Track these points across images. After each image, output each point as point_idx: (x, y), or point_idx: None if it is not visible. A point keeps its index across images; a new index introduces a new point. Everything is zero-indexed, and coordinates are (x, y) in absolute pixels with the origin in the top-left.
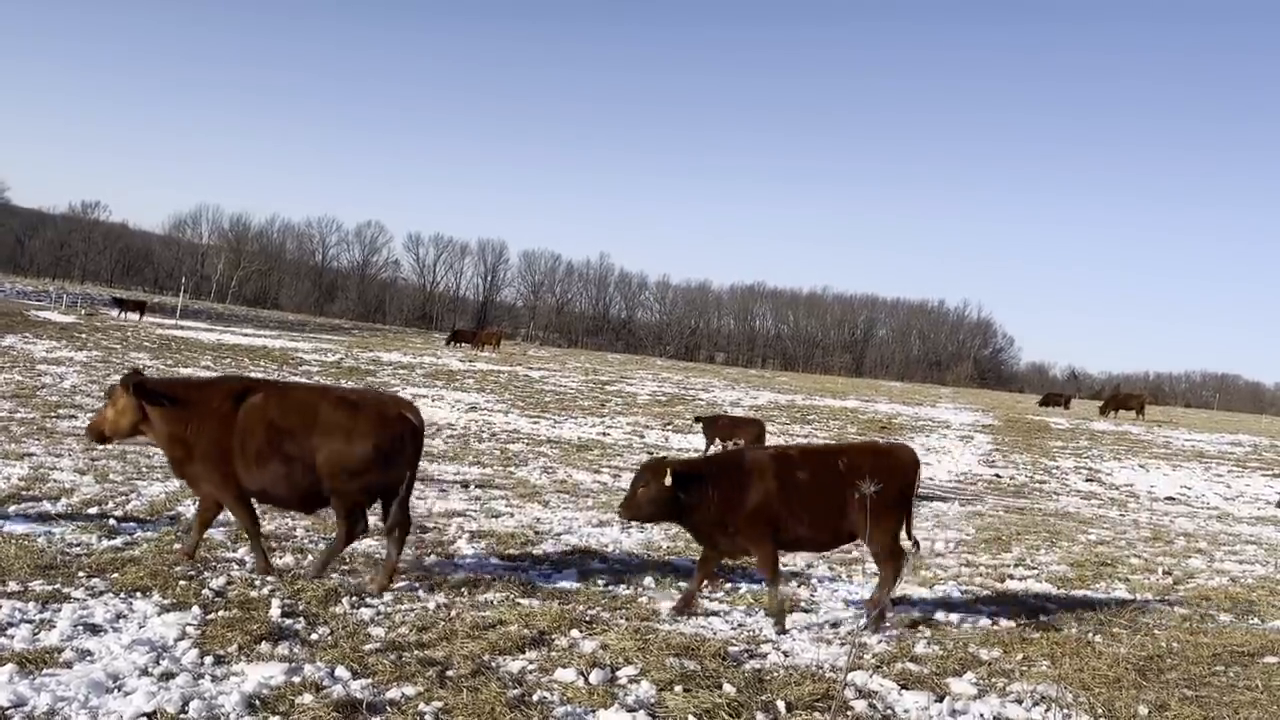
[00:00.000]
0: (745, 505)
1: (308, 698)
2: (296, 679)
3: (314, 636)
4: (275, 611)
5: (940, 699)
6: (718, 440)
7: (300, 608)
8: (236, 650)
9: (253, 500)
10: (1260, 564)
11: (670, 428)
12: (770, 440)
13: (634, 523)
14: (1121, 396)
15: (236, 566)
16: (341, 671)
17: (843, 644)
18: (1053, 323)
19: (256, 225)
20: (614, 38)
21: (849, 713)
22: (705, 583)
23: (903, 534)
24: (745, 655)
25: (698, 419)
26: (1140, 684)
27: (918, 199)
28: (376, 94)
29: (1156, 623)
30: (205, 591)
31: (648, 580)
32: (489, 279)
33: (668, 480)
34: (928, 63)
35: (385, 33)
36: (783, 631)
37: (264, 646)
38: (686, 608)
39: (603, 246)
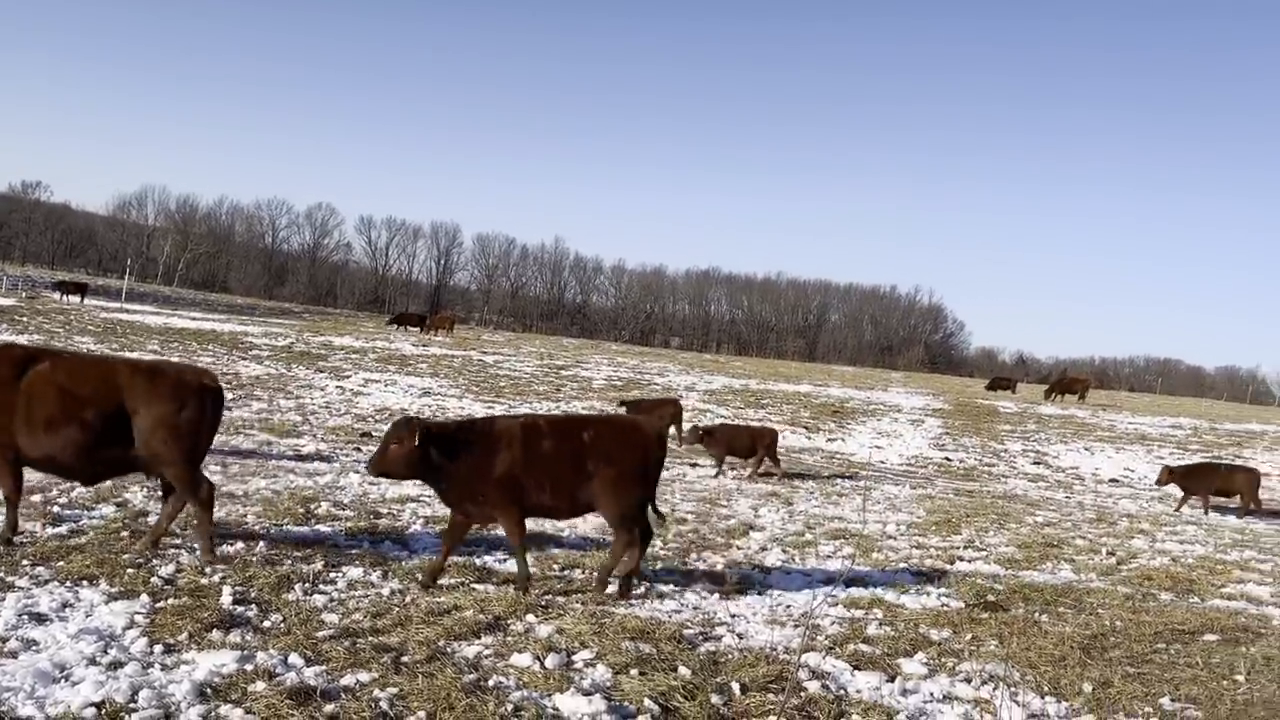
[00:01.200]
0: (493, 472)
1: (260, 685)
2: (249, 667)
3: (266, 624)
4: (227, 599)
5: (892, 679)
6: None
7: (252, 595)
8: (187, 638)
9: (38, 468)
10: (1200, 544)
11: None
12: (687, 420)
13: (382, 478)
14: (1066, 381)
15: (185, 554)
16: (295, 659)
17: (796, 626)
18: (1002, 308)
19: (204, 207)
20: (570, 25)
21: (802, 694)
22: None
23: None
24: (700, 638)
25: (621, 403)
26: (1085, 662)
27: (871, 185)
28: (326, 75)
29: (1101, 602)
30: (154, 579)
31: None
32: (442, 262)
33: (416, 440)
34: (880, 52)
35: (336, 14)
36: (526, 591)
37: (215, 634)
38: (433, 582)
39: (558, 230)
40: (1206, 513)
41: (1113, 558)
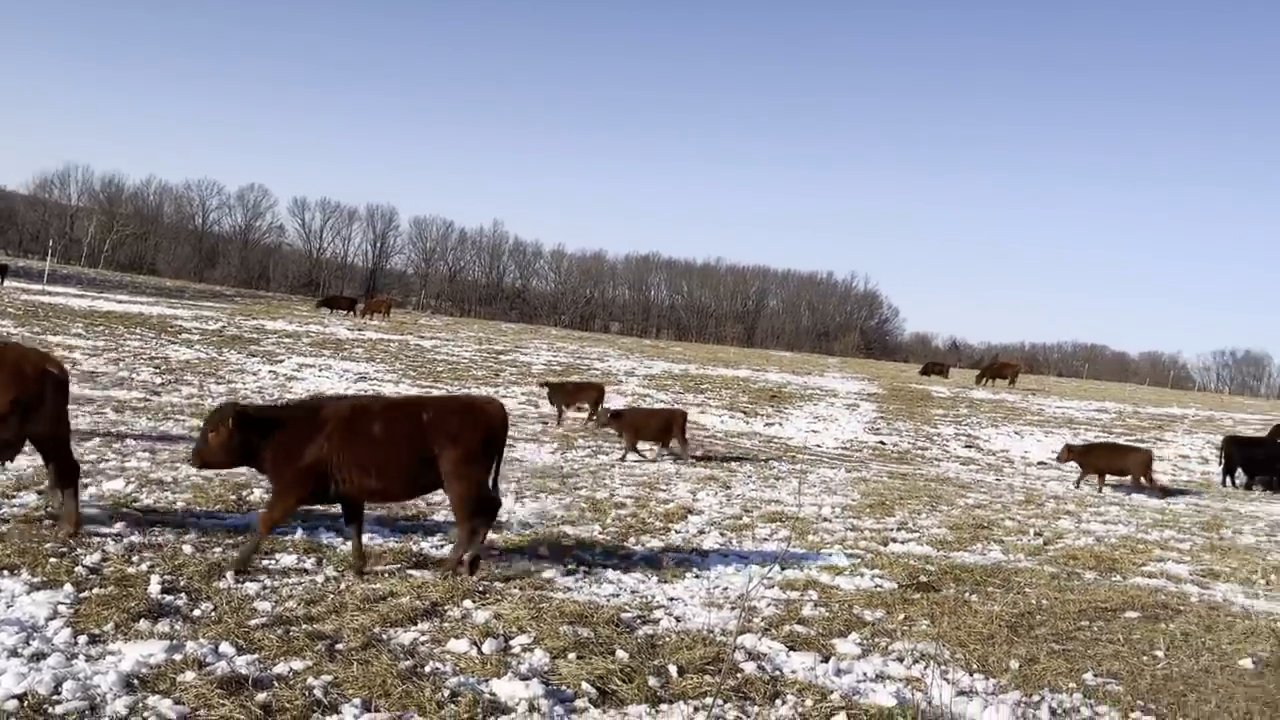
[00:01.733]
0: (303, 455)
1: (190, 675)
2: (178, 656)
3: (196, 613)
4: (155, 588)
5: (826, 659)
6: (565, 405)
7: (182, 583)
8: (113, 629)
9: None
10: (1123, 524)
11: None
12: (618, 402)
13: (206, 470)
14: (997, 366)
15: (112, 542)
16: (226, 647)
17: (733, 608)
18: (936, 295)
19: (131, 186)
20: (512, 6)
21: (739, 675)
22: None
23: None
24: (638, 621)
25: (543, 384)
26: (1012, 639)
27: (809, 172)
28: (257, 56)
29: (1028, 582)
30: (78, 569)
31: (542, 550)
32: (378, 246)
33: (232, 426)
34: (820, 38)
35: None
36: (241, 572)
37: (143, 624)
38: (363, 565)
39: (496, 213)
40: (1101, 490)
41: (1040, 538)
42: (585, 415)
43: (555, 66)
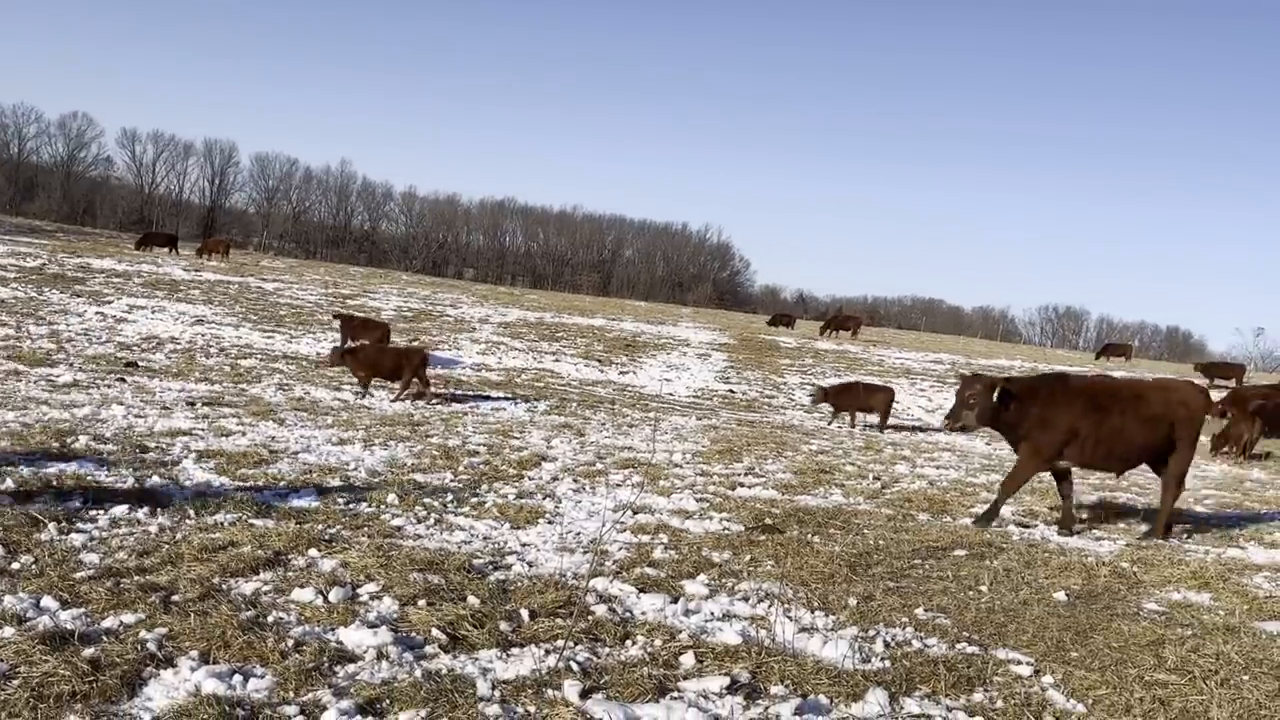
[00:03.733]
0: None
1: (9, 631)
2: None
3: (15, 565)
4: None
5: (675, 600)
6: (350, 339)
7: None
8: None
9: None
10: (954, 469)
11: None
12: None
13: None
14: (840, 318)
15: None
16: (48, 601)
17: (586, 552)
18: (785, 248)
19: None
20: None
21: (589, 617)
22: None
23: None
24: (490, 568)
25: (335, 315)
26: (851, 578)
27: (664, 121)
28: None
29: (866, 523)
30: None
31: (390, 498)
32: (216, 182)
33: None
34: None
35: None
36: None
37: None
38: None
39: (344, 152)
40: (853, 427)
41: (878, 482)
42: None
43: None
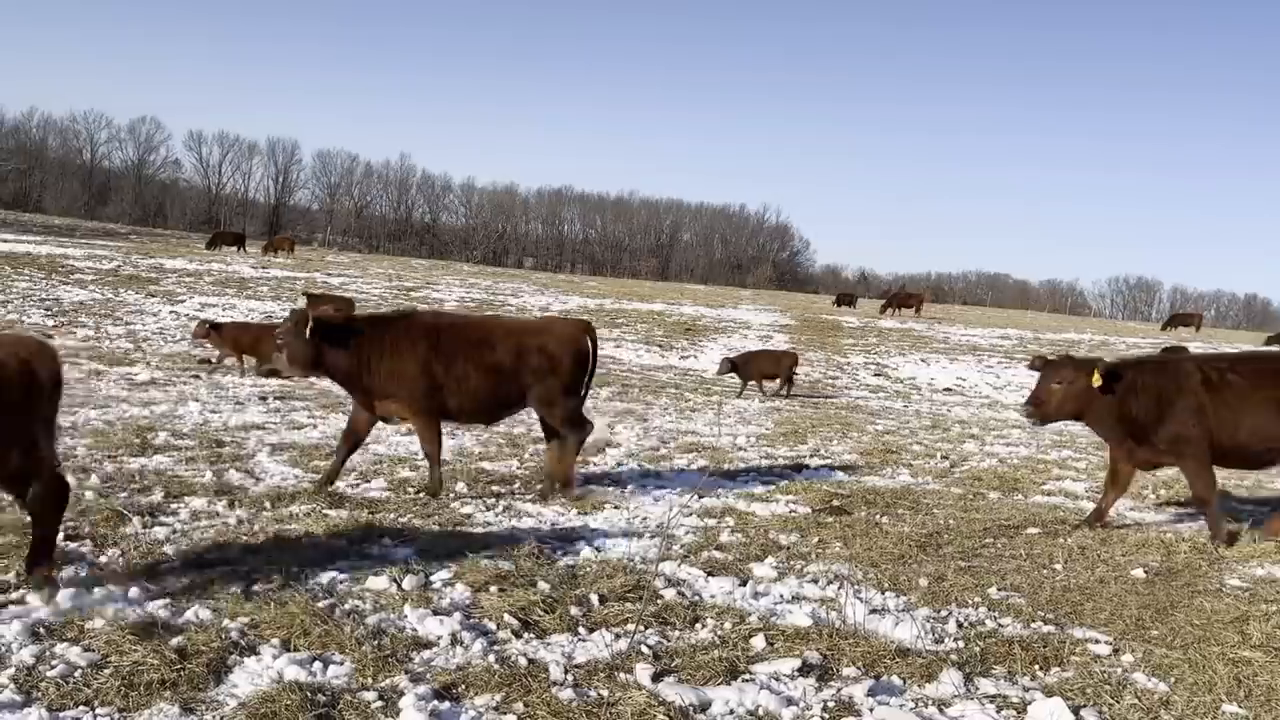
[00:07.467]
0: None
1: (99, 622)
2: (84, 603)
3: (103, 559)
4: (59, 535)
5: (744, 583)
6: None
7: (86, 530)
8: (15, 578)
9: None
10: (1024, 446)
11: None
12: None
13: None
14: (902, 296)
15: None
16: (135, 592)
17: (653, 537)
18: (846, 227)
19: (10, 120)
20: None
21: (659, 601)
22: None
23: None
24: (559, 553)
25: (304, 294)
26: (921, 558)
27: (720, 104)
28: None
29: (935, 503)
30: None
31: (460, 486)
32: (280, 181)
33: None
34: None
35: None
36: None
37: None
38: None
39: (403, 147)
40: (764, 396)
41: (946, 461)
42: None
43: None
